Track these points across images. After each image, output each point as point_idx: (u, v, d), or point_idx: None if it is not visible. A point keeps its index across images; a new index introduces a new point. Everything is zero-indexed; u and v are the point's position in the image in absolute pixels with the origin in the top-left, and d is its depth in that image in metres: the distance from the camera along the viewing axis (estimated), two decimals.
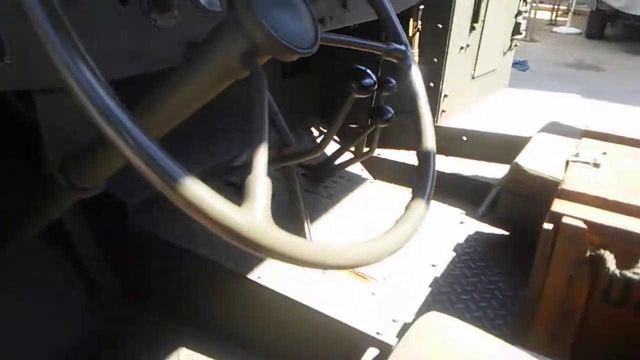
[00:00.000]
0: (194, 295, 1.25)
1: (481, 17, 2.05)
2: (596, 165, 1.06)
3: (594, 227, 0.88)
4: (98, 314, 1.27)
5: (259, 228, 0.43)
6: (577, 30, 8.38)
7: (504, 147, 1.92)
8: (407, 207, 0.65)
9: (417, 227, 0.62)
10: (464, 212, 1.59)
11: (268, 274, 1.15)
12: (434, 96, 1.96)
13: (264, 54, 0.56)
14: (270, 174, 0.48)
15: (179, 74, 0.62)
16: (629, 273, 0.81)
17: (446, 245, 1.41)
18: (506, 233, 1.50)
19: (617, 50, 7.37)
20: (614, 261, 0.85)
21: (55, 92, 0.70)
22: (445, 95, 2.00)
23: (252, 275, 1.14)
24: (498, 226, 1.51)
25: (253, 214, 0.44)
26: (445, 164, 1.86)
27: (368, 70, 1.29)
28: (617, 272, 0.83)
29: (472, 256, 1.37)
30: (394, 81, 1.41)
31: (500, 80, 2.51)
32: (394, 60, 0.79)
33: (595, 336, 0.94)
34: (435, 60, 1.92)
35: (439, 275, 1.27)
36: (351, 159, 1.69)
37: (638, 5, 7.03)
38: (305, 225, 1.26)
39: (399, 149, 1.96)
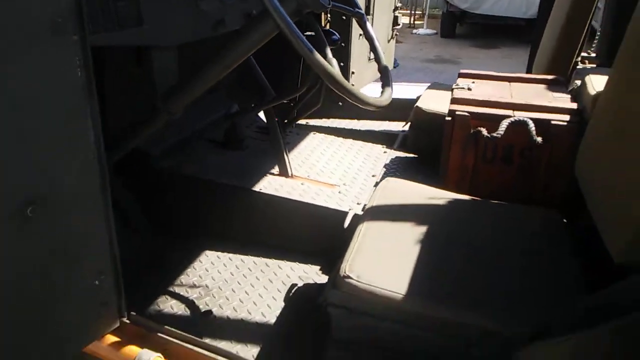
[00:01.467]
0: (209, 214, 1.70)
1: (371, 11, 2.68)
2: (469, 89, 1.70)
3: (474, 115, 1.50)
4: (133, 240, 1.66)
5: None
6: (433, 31, 9.59)
7: (401, 108, 2.57)
8: (382, 92, 1.21)
9: (391, 96, 1.17)
10: (385, 146, 2.20)
11: (266, 187, 1.65)
12: (345, 73, 2.55)
13: (307, 10, 1.08)
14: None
15: (241, 35, 1.12)
16: (494, 134, 1.43)
17: (378, 164, 2.00)
18: (415, 156, 2.12)
19: (467, 45, 8.61)
20: (486, 133, 1.47)
21: (167, 49, 1.15)
22: (353, 72, 2.60)
23: (255, 188, 1.63)
24: (409, 152, 2.14)
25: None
26: (363, 124, 2.47)
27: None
28: (488, 135, 1.45)
29: (396, 168, 1.98)
30: (337, 35, 1.78)
31: (388, 63, 3.19)
32: (355, 18, 1.35)
33: (480, 185, 1.55)
34: (343, 45, 2.51)
35: (378, 179, 1.85)
36: (306, 108, 2.18)
37: (480, 6, 8.30)
38: (285, 155, 1.77)
39: (328, 118, 2.53)
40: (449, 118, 1.52)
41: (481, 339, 0.97)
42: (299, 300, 1.44)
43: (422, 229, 1.21)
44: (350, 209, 1.56)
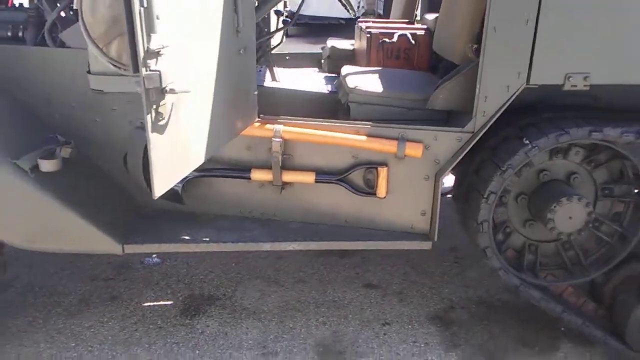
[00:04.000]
0: None
1: None
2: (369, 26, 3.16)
3: (382, 33, 2.97)
4: None
5: None
6: None
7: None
8: None
9: None
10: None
11: None
12: None
13: None
14: None
15: None
16: (391, 40, 2.90)
17: None
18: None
19: (302, 42, 10.34)
20: (388, 40, 2.94)
21: None
22: None
23: None
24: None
25: None
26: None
27: None
28: (388, 41, 2.92)
29: None
30: None
31: None
32: None
33: None
34: None
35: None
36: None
37: (308, 8, 10.07)
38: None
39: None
40: (368, 35, 2.95)
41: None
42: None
43: None
44: None
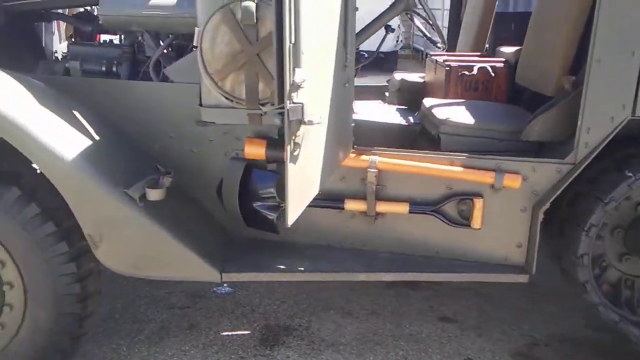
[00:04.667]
0: None
1: None
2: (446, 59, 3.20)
3: (460, 66, 3.00)
4: None
5: None
6: None
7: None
8: None
9: None
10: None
11: None
12: None
13: None
14: None
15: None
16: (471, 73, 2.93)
17: None
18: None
19: None
20: (467, 73, 2.96)
21: None
22: None
23: None
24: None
25: None
26: None
27: None
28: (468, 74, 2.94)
29: None
30: None
31: None
32: None
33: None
34: None
35: None
36: None
37: None
38: None
39: None
40: (448, 68, 2.98)
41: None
42: None
43: None
44: None
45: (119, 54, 2.66)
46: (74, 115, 2.24)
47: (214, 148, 2.40)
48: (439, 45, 3.09)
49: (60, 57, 2.95)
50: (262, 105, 2.02)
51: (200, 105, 2.16)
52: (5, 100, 2.03)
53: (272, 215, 2.33)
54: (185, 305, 3.06)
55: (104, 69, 2.59)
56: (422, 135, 2.76)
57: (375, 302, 3.14)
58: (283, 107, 1.53)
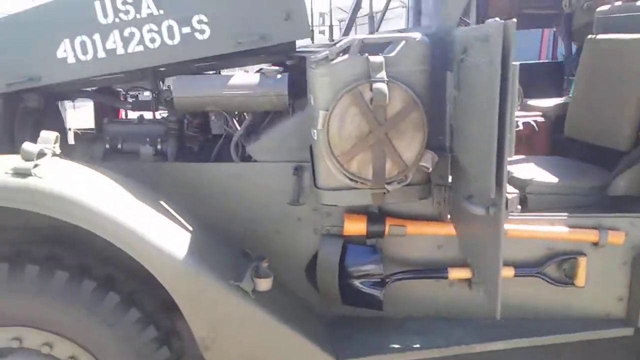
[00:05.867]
0: None
1: None
2: None
3: None
4: None
5: None
6: None
7: None
8: None
9: None
10: None
11: None
12: None
13: None
14: None
15: None
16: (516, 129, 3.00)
17: None
18: None
19: None
20: None
21: None
22: None
23: None
24: None
25: None
26: None
27: None
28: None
29: None
30: None
31: None
32: None
33: None
34: None
35: None
36: None
37: None
38: None
39: None
40: None
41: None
42: None
43: None
44: None
45: (164, 131, 2.50)
46: (163, 205, 2.06)
47: (303, 226, 2.29)
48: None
49: (95, 136, 2.72)
50: (388, 184, 1.94)
51: (317, 187, 2.05)
52: (101, 198, 1.83)
53: (378, 292, 2.23)
54: None
55: (148, 147, 2.43)
56: None
57: None
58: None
